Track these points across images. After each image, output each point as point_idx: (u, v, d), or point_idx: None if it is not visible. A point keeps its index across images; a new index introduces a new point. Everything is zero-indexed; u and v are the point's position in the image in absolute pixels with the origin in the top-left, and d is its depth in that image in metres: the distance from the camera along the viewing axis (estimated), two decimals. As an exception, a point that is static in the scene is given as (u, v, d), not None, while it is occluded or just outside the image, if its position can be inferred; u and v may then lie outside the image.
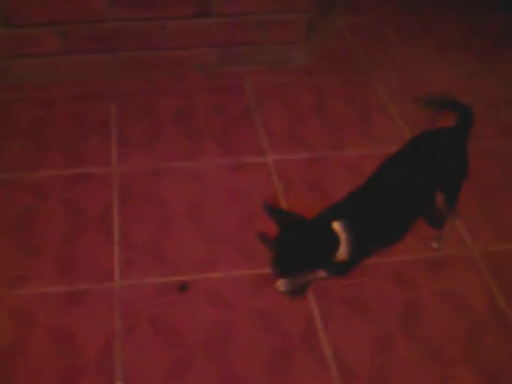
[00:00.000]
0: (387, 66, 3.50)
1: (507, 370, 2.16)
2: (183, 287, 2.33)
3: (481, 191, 2.79)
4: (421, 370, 2.14)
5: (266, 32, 3.29)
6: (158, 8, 3.09)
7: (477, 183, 2.79)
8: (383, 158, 2.33)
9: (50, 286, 2.31)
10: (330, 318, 2.28)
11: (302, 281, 2.33)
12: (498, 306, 2.34)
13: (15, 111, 3.04)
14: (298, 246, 2.00)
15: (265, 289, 2.33)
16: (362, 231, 2.10)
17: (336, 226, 2.07)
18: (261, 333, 2.21)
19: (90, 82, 3.23)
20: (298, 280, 2.31)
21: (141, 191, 2.68)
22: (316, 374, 2.12)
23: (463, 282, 2.43)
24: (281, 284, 2.32)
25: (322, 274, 2.24)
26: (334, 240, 2.07)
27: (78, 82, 3.22)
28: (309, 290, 2.35)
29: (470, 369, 2.15)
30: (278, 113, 3.14)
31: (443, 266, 2.48)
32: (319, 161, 2.90)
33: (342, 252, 2.08)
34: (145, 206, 2.62)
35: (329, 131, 3.05)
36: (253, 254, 2.44)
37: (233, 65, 3.39)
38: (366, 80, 3.40)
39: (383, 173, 2.26)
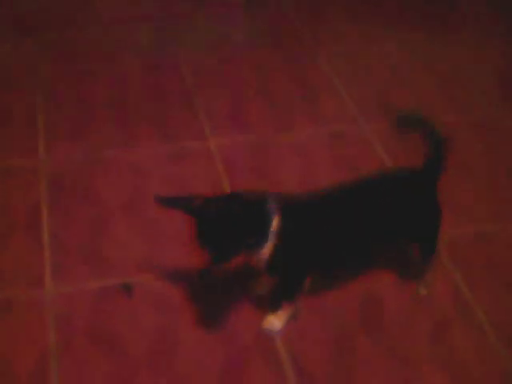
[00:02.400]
0: (332, 42, 3.33)
1: (474, 366, 2.04)
2: (128, 289, 2.12)
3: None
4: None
5: (202, 7, 3.07)
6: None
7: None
8: (332, 138, 2.16)
9: (-27, 296, 2.08)
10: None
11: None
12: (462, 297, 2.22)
13: None
14: (229, 216, 1.74)
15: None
16: (298, 229, 1.85)
17: (270, 206, 1.80)
18: (211, 339, 2.02)
19: (13, 67, 2.96)
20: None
21: (72, 186, 2.45)
22: (272, 381, 1.95)
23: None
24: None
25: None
26: (267, 216, 1.78)
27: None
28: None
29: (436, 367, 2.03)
30: (218, 94, 2.94)
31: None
32: (265, 144, 2.72)
33: (268, 246, 1.81)
34: (77, 202, 2.40)
35: (273, 112, 2.87)
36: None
37: (169, 43, 3.16)
38: (310, 57, 3.22)
39: (341, 192, 1.99)
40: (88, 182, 2.47)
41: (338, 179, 2.47)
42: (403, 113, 2.14)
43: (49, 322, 2.02)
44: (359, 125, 2.84)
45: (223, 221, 1.74)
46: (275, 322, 2.05)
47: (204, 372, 1.94)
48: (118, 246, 2.26)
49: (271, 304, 2.07)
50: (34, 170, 2.49)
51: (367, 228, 1.97)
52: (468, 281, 2.26)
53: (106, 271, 2.18)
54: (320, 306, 2.12)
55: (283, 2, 3.56)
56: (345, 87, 3.03)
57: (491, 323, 2.13)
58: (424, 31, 3.42)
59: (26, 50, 3.04)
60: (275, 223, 1.79)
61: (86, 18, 3.27)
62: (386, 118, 2.73)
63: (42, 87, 2.87)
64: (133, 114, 2.79)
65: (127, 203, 2.41)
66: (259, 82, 3.01)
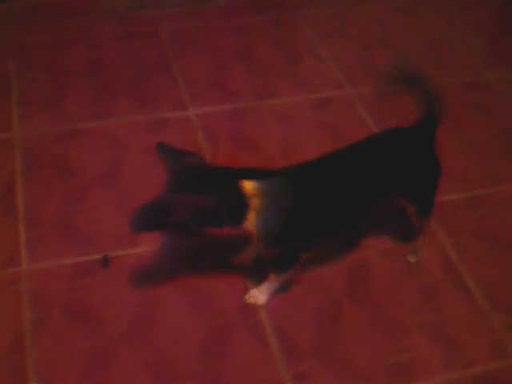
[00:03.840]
0: (315, 3, 3.23)
1: (463, 333, 2.00)
2: (105, 261, 2.05)
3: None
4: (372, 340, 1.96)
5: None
6: None
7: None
8: (316, 104, 2.08)
9: None
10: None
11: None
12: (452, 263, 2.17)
13: None
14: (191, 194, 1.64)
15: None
16: (282, 206, 1.73)
17: (248, 185, 1.69)
18: (191, 311, 1.96)
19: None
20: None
21: (48, 158, 2.37)
22: (257, 354, 1.90)
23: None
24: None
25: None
26: (238, 199, 1.67)
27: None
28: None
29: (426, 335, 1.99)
30: (198, 60, 2.84)
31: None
32: (247, 112, 2.63)
33: (250, 221, 1.71)
34: (53, 175, 2.32)
35: (255, 78, 2.78)
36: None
37: (146, 8, 3.05)
38: (292, 19, 3.12)
39: (332, 157, 1.89)
40: (64, 154, 2.39)
41: (323, 145, 2.41)
42: (394, 70, 2.04)
43: (24, 300, 1.95)
44: (344, 90, 2.75)
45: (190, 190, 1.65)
46: (259, 295, 1.99)
47: (185, 345, 1.89)
48: (94, 219, 2.19)
49: (255, 276, 2.01)
50: (8, 142, 2.40)
51: (363, 187, 1.87)
52: (458, 247, 2.20)
53: (83, 245, 2.11)
54: (306, 275, 2.06)
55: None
56: (329, 52, 2.93)
57: (481, 289, 2.09)
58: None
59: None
60: (255, 196, 1.68)
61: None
62: (373, 80, 2.65)
63: (14, 57, 2.76)
64: (109, 82, 2.69)
65: (104, 175, 2.33)
66: (241, 47, 2.92)
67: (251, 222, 1.69)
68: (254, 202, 1.68)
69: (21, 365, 1.81)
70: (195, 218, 1.64)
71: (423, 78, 1.94)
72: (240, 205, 1.67)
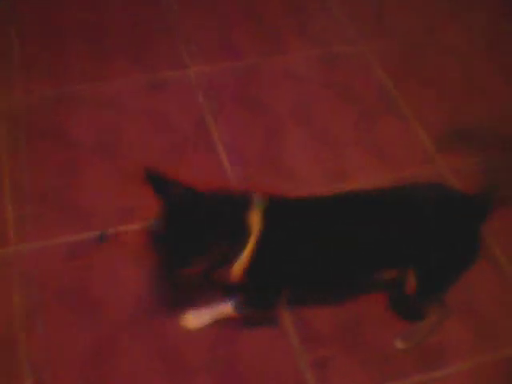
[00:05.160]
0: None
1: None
2: (101, 238, 1.88)
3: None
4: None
5: None
6: None
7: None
8: (327, 61, 1.89)
9: None
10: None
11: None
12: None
13: None
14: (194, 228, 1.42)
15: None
16: (282, 243, 1.52)
17: (254, 216, 1.48)
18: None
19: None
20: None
21: (41, 126, 2.17)
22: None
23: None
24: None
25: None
26: (242, 233, 1.47)
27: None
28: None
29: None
30: (201, 18, 2.62)
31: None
32: (252, 70, 2.43)
33: (244, 259, 1.49)
34: (47, 145, 2.12)
35: (262, 35, 2.56)
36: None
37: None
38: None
39: (343, 200, 1.60)
40: (59, 121, 2.19)
41: (333, 105, 2.23)
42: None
43: (15, 285, 1.78)
44: (356, 45, 2.54)
45: (190, 223, 1.43)
46: (192, 320, 1.76)
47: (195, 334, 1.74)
48: (91, 193, 2.01)
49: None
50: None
51: (367, 247, 1.55)
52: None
53: (80, 222, 1.93)
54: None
55: None
56: (340, 6, 2.70)
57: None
58: None
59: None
60: (255, 230, 1.48)
61: None
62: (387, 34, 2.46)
63: (15, 21, 2.53)
64: (109, 43, 2.47)
65: (101, 143, 2.14)
66: (246, 3, 2.68)
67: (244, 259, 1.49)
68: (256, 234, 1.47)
69: (13, 360, 1.64)
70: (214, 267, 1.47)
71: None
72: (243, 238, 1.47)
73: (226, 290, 1.68)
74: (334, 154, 2.19)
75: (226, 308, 1.69)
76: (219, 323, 1.73)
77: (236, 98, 2.32)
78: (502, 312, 1.82)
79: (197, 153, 2.15)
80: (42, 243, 1.87)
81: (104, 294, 1.78)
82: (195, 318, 1.75)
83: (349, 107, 2.32)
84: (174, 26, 2.55)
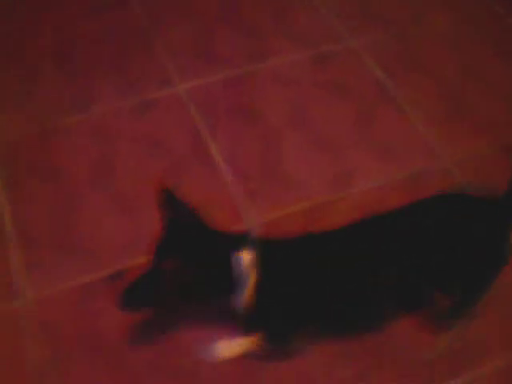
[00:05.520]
0: None
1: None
2: (112, 278, 1.81)
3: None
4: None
5: None
6: None
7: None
8: (317, 60, 1.84)
9: None
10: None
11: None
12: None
13: None
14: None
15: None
16: (281, 281, 1.48)
17: (246, 255, 1.44)
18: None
19: None
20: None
21: (28, 164, 2.08)
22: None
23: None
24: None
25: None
26: (226, 270, 1.43)
27: None
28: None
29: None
30: (178, 28, 2.51)
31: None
32: (242, 78, 2.35)
33: (249, 294, 1.47)
34: (37, 182, 2.03)
35: (245, 39, 2.48)
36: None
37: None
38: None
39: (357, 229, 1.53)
40: (46, 157, 2.10)
41: (329, 105, 2.17)
42: None
43: (27, 334, 1.71)
44: (346, 42, 2.47)
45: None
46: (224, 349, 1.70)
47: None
48: (91, 230, 1.92)
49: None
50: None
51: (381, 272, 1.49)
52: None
53: (85, 263, 1.85)
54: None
55: None
56: (324, 3, 2.62)
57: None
58: None
59: None
60: (251, 271, 1.45)
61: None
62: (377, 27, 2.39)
63: None
64: (84, 65, 2.37)
65: (94, 175, 2.05)
66: (224, 6, 2.60)
67: (247, 296, 1.45)
68: (251, 275, 1.44)
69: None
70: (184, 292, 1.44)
71: None
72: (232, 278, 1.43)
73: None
74: (335, 157, 2.13)
75: (251, 341, 1.64)
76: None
77: (229, 108, 2.25)
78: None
79: (196, 170, 2.08)
80: (52, 289, 1.80)
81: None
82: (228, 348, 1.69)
83: (345, 106, 2.26)
84: (152, 42, 2.46)
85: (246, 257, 1.43)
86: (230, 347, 1.68)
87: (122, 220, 1.94)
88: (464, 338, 1.72)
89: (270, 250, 1.48)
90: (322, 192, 2.04)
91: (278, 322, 1.55)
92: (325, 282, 1.48)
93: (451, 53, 2.43)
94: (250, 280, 1.44)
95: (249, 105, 2.26)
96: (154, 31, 2.50)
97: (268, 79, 2.34)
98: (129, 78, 2.33)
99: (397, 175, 2.08)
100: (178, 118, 2.22)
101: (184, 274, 1.40)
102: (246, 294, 1.44)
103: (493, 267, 1.53)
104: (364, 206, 1.96)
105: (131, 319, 1.73)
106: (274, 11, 2.57)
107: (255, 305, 1.46)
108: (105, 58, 2.40)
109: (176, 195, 1.47)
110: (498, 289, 1.77)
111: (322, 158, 2.14)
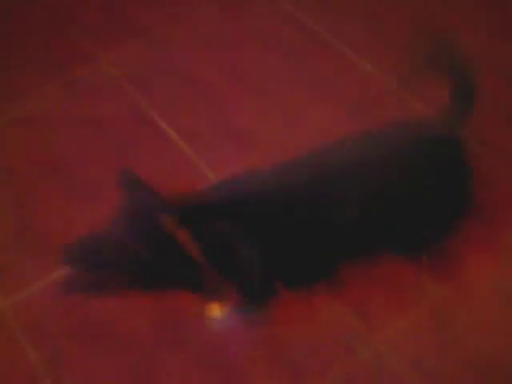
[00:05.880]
0: None
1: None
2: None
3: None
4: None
5: None
6: None
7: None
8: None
9: None
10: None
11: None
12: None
13: None
14: None
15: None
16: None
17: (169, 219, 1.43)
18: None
19: None
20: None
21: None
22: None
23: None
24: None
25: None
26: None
27: None
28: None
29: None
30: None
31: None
32: (164, 41, 2.29)
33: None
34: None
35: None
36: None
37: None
38: None
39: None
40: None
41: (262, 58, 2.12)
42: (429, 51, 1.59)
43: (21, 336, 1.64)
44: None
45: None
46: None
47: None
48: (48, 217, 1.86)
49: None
50: None
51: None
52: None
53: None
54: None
55: None
56: None
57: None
58: None
59: None
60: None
61: None
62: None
63: None
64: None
65: (42, 170, 1.98)
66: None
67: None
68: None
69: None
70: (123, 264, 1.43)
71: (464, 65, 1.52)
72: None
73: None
74: (279, 102, 2.12)
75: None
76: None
77: (161, 73, 2.20)
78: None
79: (146, 143, 2.02)
80: (25, 293, 1.72)
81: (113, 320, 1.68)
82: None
83: (276, 55, 2.25)
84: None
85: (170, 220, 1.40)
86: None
87: (80, 207, 1.88)
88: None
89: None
90: (274, 137, 2.03)
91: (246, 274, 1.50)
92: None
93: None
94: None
95: (181, 67, 2.21)
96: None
97: (189, 39, 2.30)
98: (52, 61, 2.24)
99: (341, 108, 2.09)
100: (110, 94, 2.15)
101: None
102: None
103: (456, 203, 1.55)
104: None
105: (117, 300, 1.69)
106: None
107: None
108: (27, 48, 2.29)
109: (135, 175, 1.46)
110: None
111: (266, 105, 2.12)
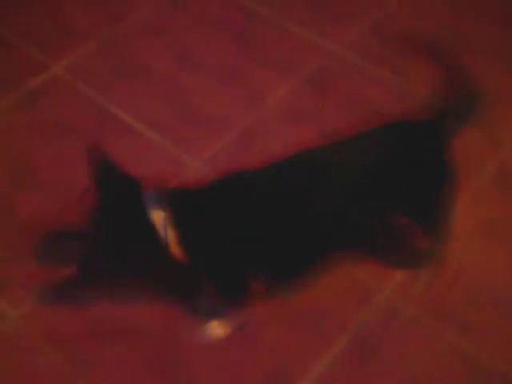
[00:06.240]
0: None
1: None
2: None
3: None
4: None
5: None
6: None
7: None
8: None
9: None
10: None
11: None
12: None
13: None
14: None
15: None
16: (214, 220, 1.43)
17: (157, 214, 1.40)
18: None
19: None
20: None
21: None
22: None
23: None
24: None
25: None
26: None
27: None
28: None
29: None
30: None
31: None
32: (113, 40, 2.30)
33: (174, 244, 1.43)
34: None
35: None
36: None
37: None
38: None
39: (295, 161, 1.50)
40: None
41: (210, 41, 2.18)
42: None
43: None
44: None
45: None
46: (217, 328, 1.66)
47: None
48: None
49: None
50: None
51: (333, 201, 1.47)
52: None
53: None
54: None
55: None
56: None
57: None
58: None
59: None
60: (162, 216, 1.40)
61: None
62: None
63: None
64: None
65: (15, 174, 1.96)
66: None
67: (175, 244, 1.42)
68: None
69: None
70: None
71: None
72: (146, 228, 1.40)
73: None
74: (239, 83, 2.19)
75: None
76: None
77: (114, 70, 2.21)
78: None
79: (115, 141, 2.02)
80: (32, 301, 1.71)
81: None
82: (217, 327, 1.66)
83: (223, 37, 2.31)
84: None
85: (157, 215, 1.39)
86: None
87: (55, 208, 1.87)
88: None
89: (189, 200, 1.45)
90: (241, 116, 2.09)
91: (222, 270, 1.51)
92: (278, 216, 1.45)
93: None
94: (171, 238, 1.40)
95: (132, 59, 2.24)
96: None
97: (135, 32, 2.33)
98: (4, 76, 2.21)
99: (301, 80, 2.17)
100: (70, 98, 2.15)
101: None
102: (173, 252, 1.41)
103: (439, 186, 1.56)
104: (285, 114, 2.08)
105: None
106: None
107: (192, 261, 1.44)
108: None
109: (110, 161, 1.44)
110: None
111: (227, 86, 2.18)
